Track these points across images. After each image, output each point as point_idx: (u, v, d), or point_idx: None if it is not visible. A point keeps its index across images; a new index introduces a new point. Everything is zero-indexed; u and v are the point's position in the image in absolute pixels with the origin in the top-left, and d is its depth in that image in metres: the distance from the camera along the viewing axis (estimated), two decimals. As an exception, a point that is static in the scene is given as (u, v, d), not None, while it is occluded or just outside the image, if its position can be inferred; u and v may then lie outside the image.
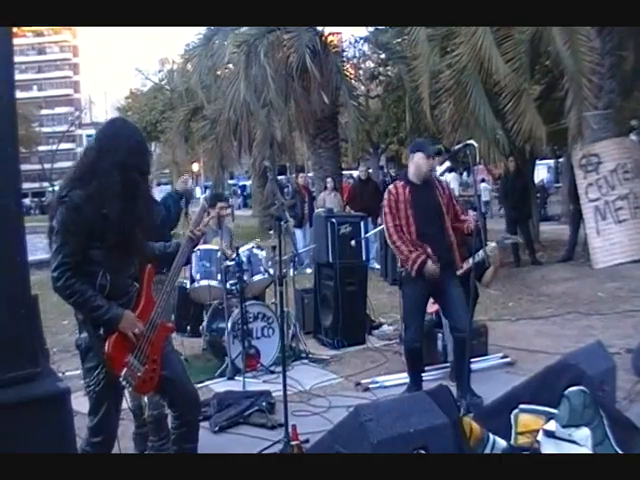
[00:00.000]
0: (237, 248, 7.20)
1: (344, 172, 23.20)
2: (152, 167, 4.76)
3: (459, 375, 5.90)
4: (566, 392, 3.99)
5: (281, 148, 18.75)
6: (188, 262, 4.74)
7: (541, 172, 32.61)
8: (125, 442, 4.78)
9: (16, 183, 3.38)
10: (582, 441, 3.82)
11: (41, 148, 66.39)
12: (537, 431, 4.05)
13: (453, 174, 21.61)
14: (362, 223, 8.74)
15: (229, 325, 6.94)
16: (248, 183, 45.81)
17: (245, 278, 7.07)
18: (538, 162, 21.37)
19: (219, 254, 7.19)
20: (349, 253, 8.18)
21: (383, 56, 20.94)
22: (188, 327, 7.68)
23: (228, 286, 7.06)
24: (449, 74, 11.99)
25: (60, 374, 6.13)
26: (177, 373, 3.86)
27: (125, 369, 3.46)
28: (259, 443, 5.09)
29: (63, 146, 65.55)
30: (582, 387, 4.00)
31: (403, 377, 6.32)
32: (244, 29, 16.79)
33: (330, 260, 8.19)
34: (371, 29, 20.21)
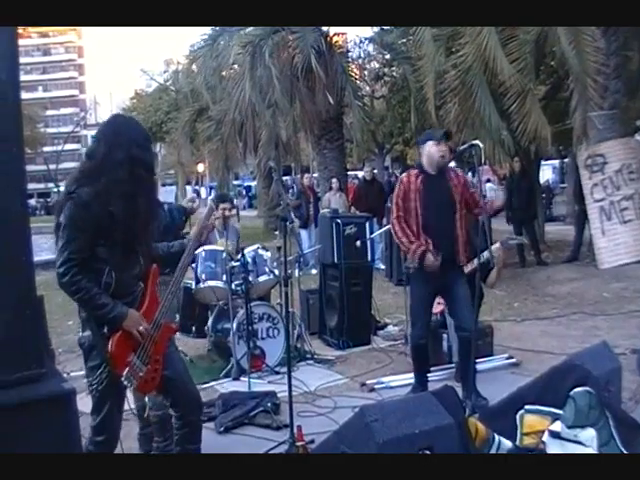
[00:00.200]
0: (242, 249, 7.20)
1: (349, 173, 23.18)
2: (157, 168, 4.75)
3: (464, 375, 5.89)
4: (571, 393, 3.98)
5: (286, 149, 18.75)
6: (193, 261, 4.74)
7: (546, 172, 32.56)
8: (130, 442, 4.78)
9: (21, 184, 3.38)
10: (588, 442, 3.81)
11: (46, 149, 66.34)
12: (542, 432, 4.05)
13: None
14: (367, 224, 8.74)
15: (234, 326, 6.94)
16: (253, 184, 45.83)
17: (250, 279, 7.07)
18: (543, 162, 21.36)
19: (224, 255, 7.19)
20: (354, 254, 8.18)
21: (388, 56, 20.92)
22: (193, 328, 7.68)
23: (233, 287, 7.06)
24: (454, 74, 11.98)
25: (65, 375, 6.13)
26: (179, 373, 3.86)
27: (127, 368, 3.47)
28: (264, 444, 5.09)
29: (68, 147, 65.73)
30: (588, 388, 3.99)
31: (409, 378, 6.32)
32: (249, 30, 16.81)
33: (335, 261, 8.18)
34: (376, 29, 20.21)
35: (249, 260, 7.15)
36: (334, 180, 15.44)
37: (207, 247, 7.26)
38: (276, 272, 7.42)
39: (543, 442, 4.01)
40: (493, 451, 3.89)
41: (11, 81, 3.28)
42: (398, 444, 3.36)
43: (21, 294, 3.31)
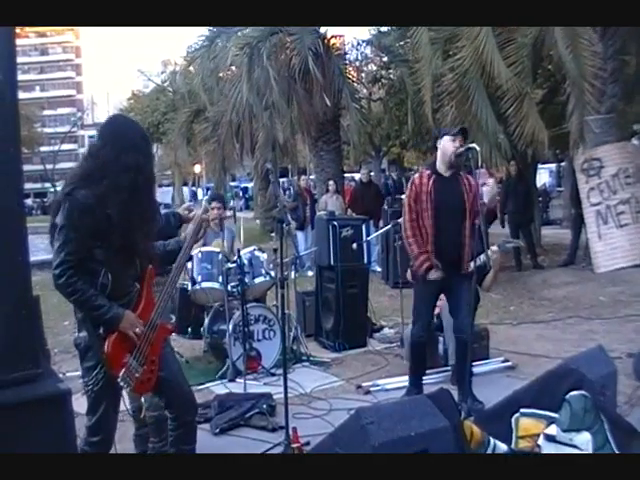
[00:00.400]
0: (238, 250, 7.20)
1: (346, 175, 23.20)
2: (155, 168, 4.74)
3: (460, 378, 5.90)
4: (567, 396, 3.99)
5: (283, 150, 18.72)
6: (189, 259, 4.74)
7: (543, 176, 32.61)
8: (125, 443, 4.78)
9: (18, 184, 3.38)
10: (583, 445, 3.82)
11: (43, 149, 66.34)
12: (538, 435, 4.05)
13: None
14: (364, 226, 8.74)
15: (230, 327, 6.94)
16: (250, 185, 45.81)
17: (246, 280, 7.07)
18: (540, 166, 21.39)
19: (220, 256, 7.19)
20: (350, 256, 8.18)
21: (385, 59, 20.89)
22: (189, 329, 7.67)
23: (229, 288, 7.06)
24: (451, 77, 11.97)
25: (61, 375, 6.12)
26: (174, 374, 3.86)
27: (123, 369, 3.46)
28: (260, 445, 5.09)
29: (65, 147, 65.76)
30: (583, 391, 4.00)
31: (404, 380, 6.32)
32: (247, 31, 16.79)
33: (331, 263, 8.19)
34: (374, 32, 20.19)
35: (245, 262, 7.16)
36: (331, 182, 15.44)
37: (203, 249, 7.27)
38: (272, 274, 7.43)
39: (538, 445, 4.02)
40: (488, 454, 3.90)
41: (8, 81, 3.29)
42: (393, 446, 3.36)
43: (17, 294, 3.31)
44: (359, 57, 22.12)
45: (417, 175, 6.07)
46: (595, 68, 10.89)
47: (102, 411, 3.55)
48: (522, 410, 4.20)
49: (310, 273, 12.13)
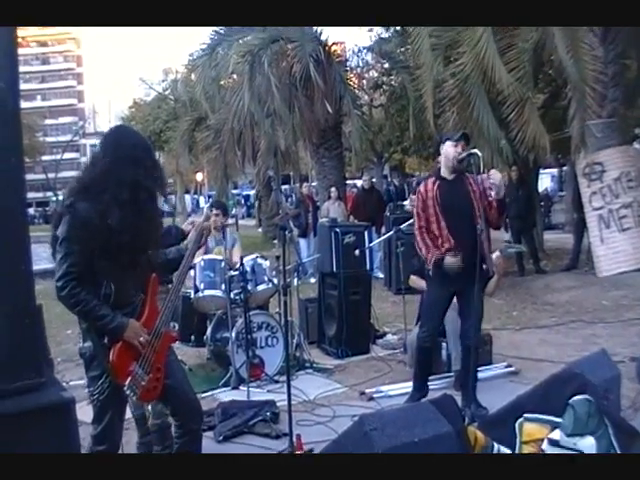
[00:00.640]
0: (241, 258, 7.20)
1: (348, 181, 23.17)
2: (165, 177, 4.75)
3: (464, 384, 5.89)
4: (571, 401, 3.98)
5: (285, 158, 18.72)
6: (191, 267, 4.74)
7: (545, 181, 32.59)
8: (129, 451, 4.77)
9: (21, 193, 3.39)
10: (587, 450, 3.81)
11: (45, 158, 66.33)
12: (542, 440, 4.04)
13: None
14: (366, 232, 8.76)
15: (233, 335, 6.94)
16: (252, 193, 45.82)
17: (249, 288, 7.08)
18: (542, 171, 21.39)
19: (223, 264, 7.19)
20: (353, 262, 8.18)
21: (387, 65, 20.96)
22: (192, 337, 7.67)
23: (232, 296, 7.06)
24: (452, 83, 11.99)
25: (64, 383, 6.10)
26: (179, 382, 3.86)
27: (129, 378, 3.46)
28: (263, 453, 5.08)
29: (67, 156, 65.67)
30: (587, 396, 3.99)
31: (407, 386, 6.31)
32: (248, 39, 16.82)
33: (334, 269, 8.19)
34: (375, 38, 20.24)
35: (248, 269, 7.16)
36: (333, 189, 15.46)
37: (206, 256, 7.27)
38: (275, 281, 7.42)
39: (542, 450, 4.00)
40: (492, 460, 3.89)
41: (10, 89, 3.30)
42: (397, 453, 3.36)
43: (20, 303, 3.32)
44: (360, 64, 22.18)
45: (422, 184, 6.09)
46: (596, 72, 10.91)
47: (108, 420, 3.55)
48: (526, 415, 4.19)
49: (313, 280, 12.11)
